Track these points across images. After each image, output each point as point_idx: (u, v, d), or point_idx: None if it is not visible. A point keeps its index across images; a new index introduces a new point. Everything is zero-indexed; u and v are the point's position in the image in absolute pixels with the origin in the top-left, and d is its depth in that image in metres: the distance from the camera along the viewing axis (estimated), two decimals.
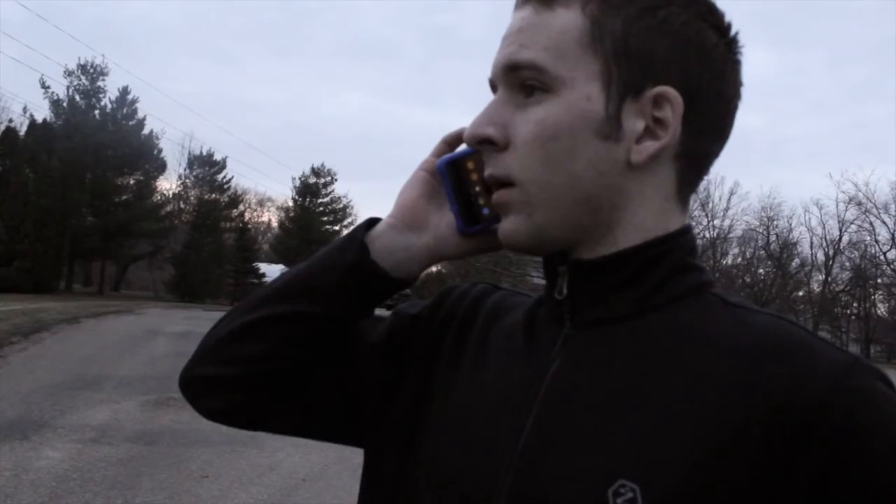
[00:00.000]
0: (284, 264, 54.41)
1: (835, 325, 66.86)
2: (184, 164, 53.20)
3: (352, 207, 64.50)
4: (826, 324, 65.47)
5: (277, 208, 70.28)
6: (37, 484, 5.94)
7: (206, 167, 52.68)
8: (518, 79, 0.73)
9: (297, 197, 62.67)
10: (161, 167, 47.25)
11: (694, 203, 64.97)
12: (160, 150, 46.39)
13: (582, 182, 0.72)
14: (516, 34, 0.74)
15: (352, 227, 0.89)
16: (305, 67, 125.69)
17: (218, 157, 52.80)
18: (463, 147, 0.85)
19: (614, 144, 0.71)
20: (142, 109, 44.30)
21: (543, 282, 0.82)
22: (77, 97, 41.34)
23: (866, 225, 56.45)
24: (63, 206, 36.53)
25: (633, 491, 0.64)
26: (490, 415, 0.76)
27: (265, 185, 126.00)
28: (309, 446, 7.30)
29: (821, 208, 72.75)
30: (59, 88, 41.84)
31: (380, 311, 0.94)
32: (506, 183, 0.74)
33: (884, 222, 55.39)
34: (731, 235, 63.87)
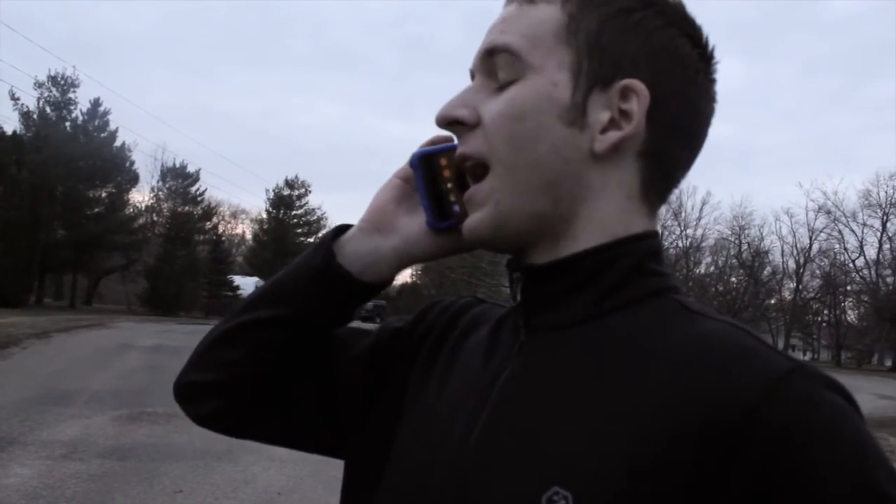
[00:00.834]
0: (259, 277, 54.18)
1: (806, 332, 67.72)
2: (156, 176, 52.96)
3: (326, 219, 64.35)
4: (798, 331, 66.27)
5: (251, 220, 69.97)
6: (4, 501, 5.82)
7: (179, 179, 52.37)
8: (493, 67, 0.75)
9: (270, 209, 62.44)
10: (133, 179, 46.89)
11: (667, 213, 65.36)
12: (132, 162, 46.06)
13: (545, 166, 0.72)
14: (499, 24, 0.77)
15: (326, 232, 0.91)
16: (279, 78, 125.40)
17: (191, 168, 52.63)
18: (435, 145, 0.86)
19: (578, 132, 0.72)
20: (114, 121, 44.01)
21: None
22: (47, 109, 40.94)
23: (835, 233, 57.34)
24: (33, 218, 36.08)
25: (565, 498, 0.64)
26: (446, 421, 0.77)
27: (239, 197, 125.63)
28: (284, 460, 7.27)
29: (791, 217, 73.78)
30: (29, 100, 41.77)
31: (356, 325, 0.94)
32: (478, 163, 0.75)
33: (852, 230, 56.30)
34: (703, 244, 64.44)
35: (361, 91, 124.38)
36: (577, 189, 0.73)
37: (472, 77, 0.80)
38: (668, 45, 0.74)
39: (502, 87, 0.75)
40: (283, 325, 0.86)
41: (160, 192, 52.82)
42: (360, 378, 0.90)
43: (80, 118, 42.32)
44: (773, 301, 62.72)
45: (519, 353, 0.76)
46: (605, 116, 0.73)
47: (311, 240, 63.86)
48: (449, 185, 0.83)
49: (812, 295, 61.57)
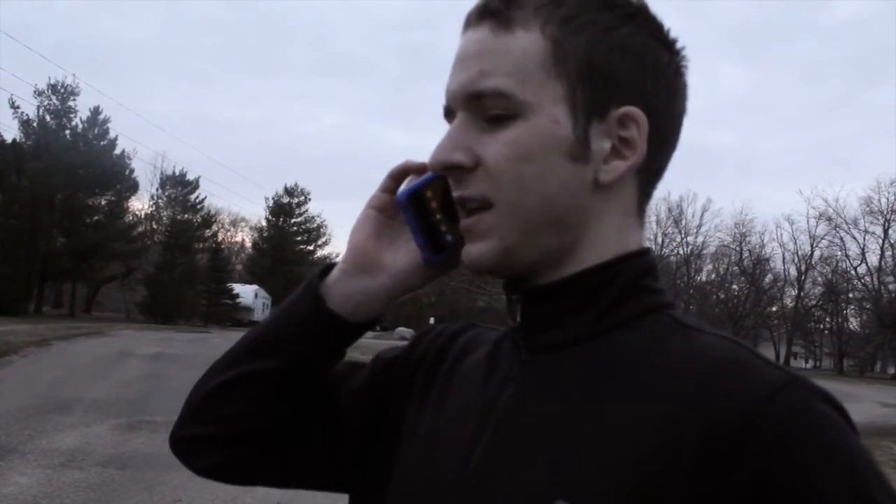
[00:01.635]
0: (258, 285, 54.18)
1: (808, 340, 67.67)
2: (156, 184, 53.10)
3: (325, 227, 64.49)
4: (799, 339, 66.22)
5: (251, 228, 70.01)
6: None
7: (178, 187, 52.43)
8: (482, 107, 0.73)
9: (270, 217, 62.49)
10: (133, 187, 46.95)
11: (668, 220, 65.62)
12: (132, 170, 46.21)
13: (553, 204, 0.72)
14: (475, 58, 0.73)
15: (307, 277, 0.88)
16: (280, 86, 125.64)
17: (191, 176, 52.71)
18: (415, 178, 0.84)
19: (584, 165, 0.72)
20: (113, 129, 44.11)
21: None
22: (47, 117, 40.99)
23: (837, 240, 57.38)
24: (33, 226, 36.11)
25: None
26: (445, 444, 0.77)
27: (238, 205, 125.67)
28: None
29: (792, 224, 73.67)
30: (29, 108, 41.82)
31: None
32: (482, 204, 0.73)
33: (854, 237, 56.31)
34: (704, 252, 64.49)
35: (363, 99, 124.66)
36: (581, 218, 0.74)
37: (448, 113, 0.77)
38: (652, 60, 0.73)
39: (494, 125, 0.72)
40: (278, 376, 0.85)
41: (160, 200, 52.95)
42: (359, 414, 0.90)
43: (80, 126, 42.43)
44: (774, 308, 62.70)
45: (520, 373, 0.76)
46: (606, 146, 0.72)
47: (311, 248, 63.99)
48: (438, 217, 0.83)
49: (814, 302, 61.55)
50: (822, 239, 58.74)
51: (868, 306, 56.12)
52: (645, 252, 0.77)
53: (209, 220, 56.20)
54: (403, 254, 0.84)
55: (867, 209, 55.72)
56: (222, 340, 27.45)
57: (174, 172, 52.79)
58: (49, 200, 38.63)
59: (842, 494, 0.59)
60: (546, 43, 0.71)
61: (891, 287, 55.00)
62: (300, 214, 63.35)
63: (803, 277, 60.65)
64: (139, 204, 52.64)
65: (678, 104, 0.77)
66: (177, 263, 46.83)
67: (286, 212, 62.35)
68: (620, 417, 0.66)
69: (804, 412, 0.61)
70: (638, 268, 0.75)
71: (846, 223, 56.03)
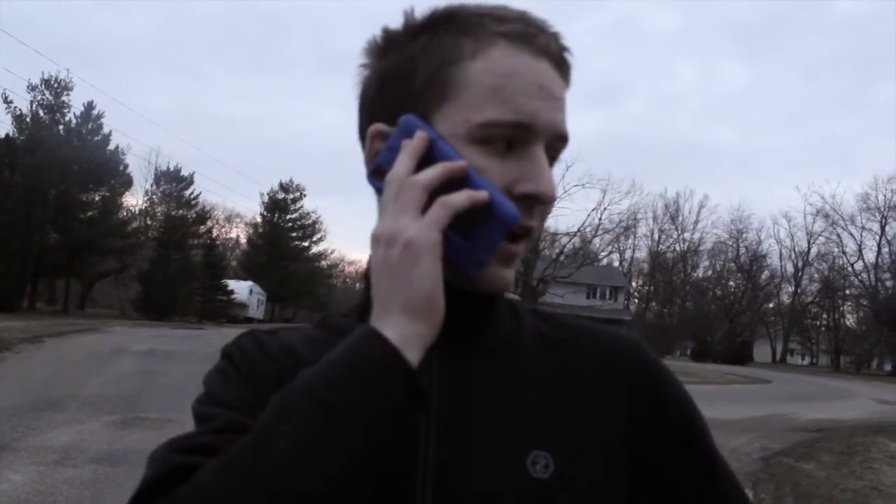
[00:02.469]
0: (253, 281, 54.03)
1: (805, 337, 67.79)
2: (150, 180, 52.94)
3: (321, 223, 64.41)
4: (796, 335, 66.38)
5: (246, 224, 69.82)
6: None
7: (172, 183, 52.31)
8: (554, 148, 0.79)
9: (265, 213, 62.37)
10: (127, 183, 46.73)
11: (664, 216, 65.83)
12: (126, 166, 45.90)
13: None
14: (561, 101, 0.79)
15: (371, 360, 0.66)
16: (277, 82, 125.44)
17: (185, 172, 52.46)
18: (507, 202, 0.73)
19: None
20: (107, 124, 43.87)
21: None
22: (41, 112, 40.68)
23: (834, 237, 57.52)
24: (26, 222, 35.93)
25: (545, 457, 0.77)
26: None
27: (233, 201, 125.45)
28: None
29: (789, 220, 74.28)
30: (23, 103, 41.49)
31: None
32: (528, 234, 0.79)
33: (851, 234, 56.42)
34: (701, 248, 64.63)
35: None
36: None
37: (520, 128, 0.75)
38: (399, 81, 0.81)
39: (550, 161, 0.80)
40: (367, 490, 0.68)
41: (154, 196, 52.85)
42: None
43: (74, 121, 42.15)
44: (771, 305, 62.89)
45: (435, 360, 0.78)
46: None
47: (306, 244, 63.85)
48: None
49: (811, 299, 61.71)
50: (819, 235, 58.94)
51: (865, 303, 56.30)
52: None
53: (204, 216, 56.08)
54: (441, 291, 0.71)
55: (864, 206, 56.02)
56: (217, 337, 27.30)
57: (168, 168, 52.74)
58: (42, 196, 38.42)
59: (686, 397, 0.90)
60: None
61: (888, 283, 55.18)
62: (295, 210, 63.32)
63: (800, 274, 60.81)
64: (133, 200, 52.58)
65: None
66: (171, 259, 46.66)
67: (281, 208, 62.28)
68: (547, 380, 0.83)
69: (656, 362, 0.90)
70: None
71: (843, 220, 56.21)
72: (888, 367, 56.31)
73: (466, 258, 0.72)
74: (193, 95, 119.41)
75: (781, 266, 62.49)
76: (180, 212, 52.02)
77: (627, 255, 71.07)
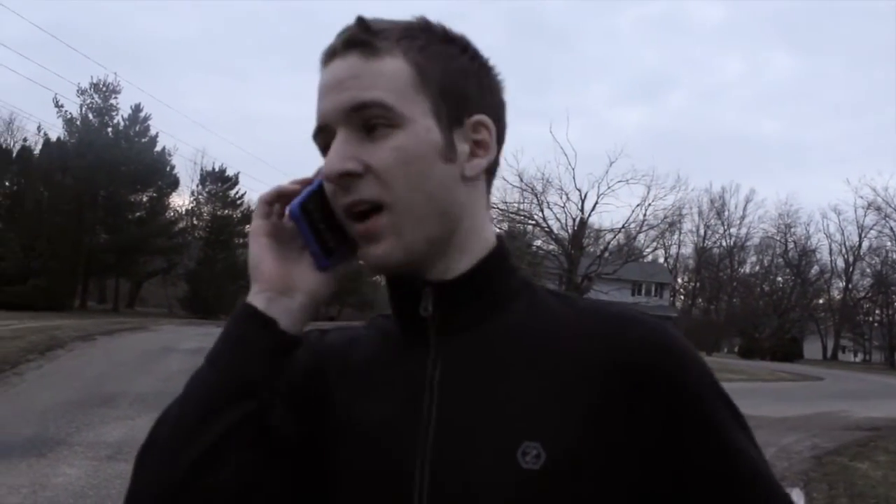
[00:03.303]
0: None
1: (857, 333, 66.30)
2: (196, 180, 53.47)
3: None
4: (848, 331, 64.95)
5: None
6: (53, 501, 5.86)
7: (218, 183, 52.84)
8: (362, 118, 0.84)
9: None
10: (174, 183, 47.43)
11: (710, 211, 64.82)
12: (173, 167, 46.59)
13: (437, 199, 0.85)
14: (350, 80, 0.85)
15: (231, 319, 0.88)
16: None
17: (230, 172, 53.00)
18: (304, 190, 0.90)
19: (452, 165, 0.86)
20: (154, 126, 44.50)
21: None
22: (90, 115, 41.51)
23: (886, 230, 56.10)
24: (77, 223, 36.78)
25: (536, 448, 0.80)
26: (385, 434, 0.85)
27: None
28: None
29: (839, 214, 72.43)
30: (73, 107, 42.18)
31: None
32: (373, 207, 0.84)
33: None
34: (748, 244, 63.51)
35: None
36: (459, 211, 0.88)
37: (319, 133, 0.88)
38: (486, 80, 0.91)
39: (374, 135, 0.84)
40: (259, 417, 0.83)
41: (200, 196, 53.39)
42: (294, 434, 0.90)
43: (122, 124, 42.85)
44: (821, 301, 61.61)
45: (440, 353, 0.87)
46: (466, 148, 0.88)
47: None
48: (322, 225, 0.89)
49: (862, 294, 60.30)
50: (870, 229, 57.57)
51: None
52: (502, 237, 0.93)
53: (249, 215, 56.11)
54: (306, 271, 0.89)
55: None
56: None
57: (214, 168, 53.24)
58: (92, 197, 39.27)
59: (709, 381, 0.86)
60: (410, 67, 0.85)
61: None
62: None
63: (851, 269, 59.48)
64: (180, 200, 53.49)
65: (504, 115, 0.93)
66: (217, 259, 47.29)
67: None
68: (547, 369, 0.84)
69: (680, 347, 0.86)
70: (506, 253, 0.92)
71: None
72: None
73: (312, 256, 0.89)
74: (237, 96, 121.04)
75: (832, 261, 61.25)
76: (226, 211, 52.58)
77: (673, 251, 70.22)
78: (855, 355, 68.63)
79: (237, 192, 53.76)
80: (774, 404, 15.57)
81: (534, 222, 37.49)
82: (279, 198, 0.91)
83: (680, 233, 67.23)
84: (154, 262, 47.88)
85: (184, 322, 34.87)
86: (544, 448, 0.80)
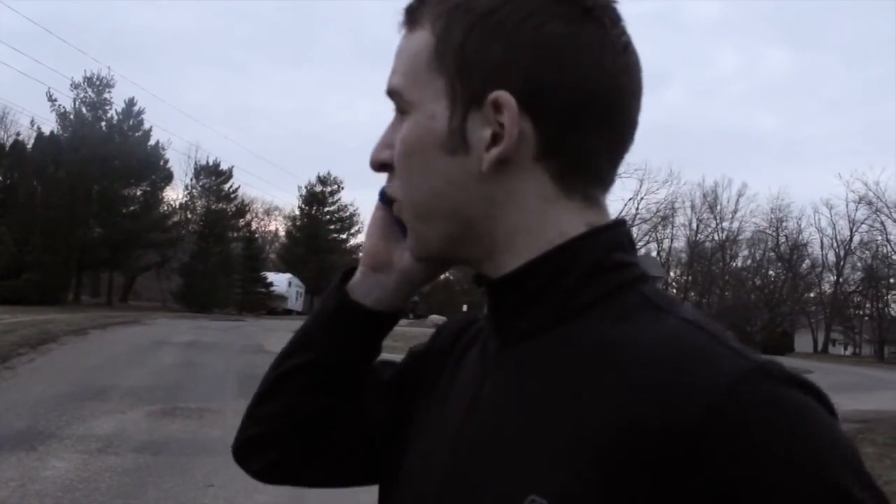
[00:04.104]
0: (292, 273, 54.56)
1: (847, 327, 66.63)
2: (190, 174, 53.60)
3: (358, 215, 64.60)
4: (839, 325, 65.30)
5: (284, 217, 70.31)
6: (42, 494, 5.90)
7: (212, 177, 52.95)
8: (395, 104, 0.78)
9: (303, 206, 62.82)
10: (167, 178, 47.43)
11: (702, 205, 65.06)
12: (166, 161, 46.69)
13: (443, 196, 0.74)
14: (394, 59, 0.78)
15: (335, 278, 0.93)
16: (315, 75, 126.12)
17: (224, 166, 53.05)
18: None
19: (464, 157, 0.72)
20: (148, 120, 44.54)
21: None
22: (84, 109, 41.57)
23: (877, 224, 56.32)
24: (71, 217, 36.68)
25: None
26: (440, 439, 0.80)
27: (272, 195, 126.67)
28: None
29: (831, 209, 72.47)
30: (66, 101, 42.25)
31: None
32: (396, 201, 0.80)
33: (895, 221, 55.15)
34: (740, 237, 63.70)
35: None
36: (484, 209, 0.73)
37: None
38: (534, 36, 0.70)
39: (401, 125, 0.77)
40: (314, 369, 0.89)
41: (194, 190, 53.53)
42: (383, 409, 0.92)
43: (115, 118, 42.94)
44: (812, 295, 61.86)
45: (494, 366, 0.76)
46: (486, 134, 0.71)
47: (344, 236, 64.30)
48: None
49: (853, 288, 60.56)
50: (861, 223, 57.75)
51: None
52: (606, 228, 0.74)
53: (243, 209, 56.71)
54: (405, 252, 0.86)
55: None
56: (256, 328, 27.68)
57: (208, 162, 53.33)
58: (86, 192, 39.14)
59: (812, 486, 0.57)
60: (432, 38, 0.73)
61: None
62: (333, 203, 63.62)
63: (842, 263, 59.70)
64: (174, 194, 53.44)
65: (589, 75, 0.71)
66: (211, 252, 47.27)
67: (319, 201, 62.65)
68: (588, 406, 0.65)
69: (771, 399, 0.59)
70: (597, 246, 0.73)
71: (887, 207, 54.95)
72: None
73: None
74: (232, 90, 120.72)
75: (823, 255, 61.45)
76: (220, 205, 52.66)
77: (665, 244, 70.35)
78: (845, 348, 68.90)
79: (231, 186, 53.97)
80: None
81: None
82: None
83: (672, 227, 67.45)
84: (148, 256, 47.87)
85: (177, 316, 34.91)
86: None
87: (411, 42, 0.75)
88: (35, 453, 7.05)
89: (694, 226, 65.58)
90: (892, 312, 59.89)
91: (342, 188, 63.45)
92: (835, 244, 59.81)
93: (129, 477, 6.50)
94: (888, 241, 56.27)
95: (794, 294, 57.37)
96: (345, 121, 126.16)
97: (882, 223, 55.95)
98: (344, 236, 64.92)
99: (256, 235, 58.94)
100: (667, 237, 69.17)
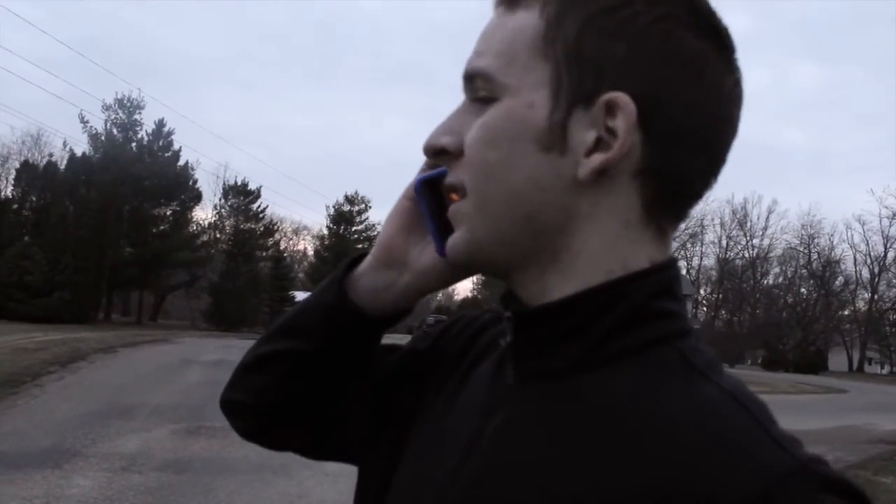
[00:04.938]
0: None
1: (883, 345, 65.40)
2: (219, 194, 54.12)
3: None
4: (874, 343, 64.12)
5: (313, 237, 70.81)
6: None
7: (240, 196, 53.35)
8: (472, 89, 0.69)
9: (331, 225, 63.13)
10: (196, 197, 47.98)
11: (732, 222, 64.55)
12: (195, 181, 47.23)
13: (520, 197, 0.65)
14: (479, 40, 0.70)
15: (341, 264, 0.87)
16: (341, 95, 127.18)
17: (252, 186, 53.45)
18: (440, 167, 0.76)
19: (558, 157, 0.64)
20: (177, 141, 45.28)
21: None
22: (115, 130, 42.19)
23: None
24: (102, 237, 37.22)
25: None
26: (440, 453, 0.73)
27: (300, 214, 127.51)
28: (338, 475, 7.16)
29: (864, 224, 71.29)
30: (98, 122, 42.91)
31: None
32: (461, 192, 0.69)
33: None
34: (770, 255, 62.97)
35: (424, 105, 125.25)
36: (561, 220, 0.66)
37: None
38: (662, 42, 0.64)
39: (480, 108, 0.68)
40: (303, 357, 0.86)
41: (222, 210, 53.94)
42: (378, 398, 0.89)
43: (146, 139, 43.61)
44: (846, 312, 60.80)
45: (507, 401, 0.69)
46: (590, 137, 0.63)
47: None
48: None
49: (889, 305, 59.45)
50: None
51: None
52: (659, 269, 0.67)
53: (271, 228, 57.05)
54: (425, 251, 0.79)
55: None
56: None
57: (236, 182, 53.77)
58: (117, 211, 39.74)
59: None
60: (540, 22, 0.65)
61: None
62: (361, 222, 63.88)
63: (877, 280, 58.68)
64: (203, 214, 54.00)
65: (709, 97, 0.65)
66: (240, 272, 47.62)
67: (347, 220, 62.95)
68: (597, 474, 0.59)
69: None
70: (647, 289, 0.65)
71: None
72: None
73: (432, 238, 0.78)
74: (260, 110, 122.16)
75: (857, 271, 60.51)
76: (248, 225, 53.04)
77: (695, 262, 69.78)
78: (882, 367, 67.55)
79: (259, 206, 54.28)
80: (797, 417, 15.35)
81: None
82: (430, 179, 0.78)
83: (702, 244, 66.88)
84: (177, 275, 48.42)
85: (205, 334, 35.13)
86: None
87: (511, 22, 0.67)
88: (60, 471, 7.03)
89: (724, 243, 65.00)
90: None
91: (370, 207, 63.76)
92: (869, 260, 58.91)
93: (152, 496, 6.45)
94: None
95: (827, 312, 56.44)
96: (371, 140, 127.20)
97: None
98: None
99: (285, 255, 59.34)
100: (696, 255, 68.58)
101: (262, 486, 6.94)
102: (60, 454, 7.66)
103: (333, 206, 63.19)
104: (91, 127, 41.69)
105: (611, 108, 0.63)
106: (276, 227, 59.07)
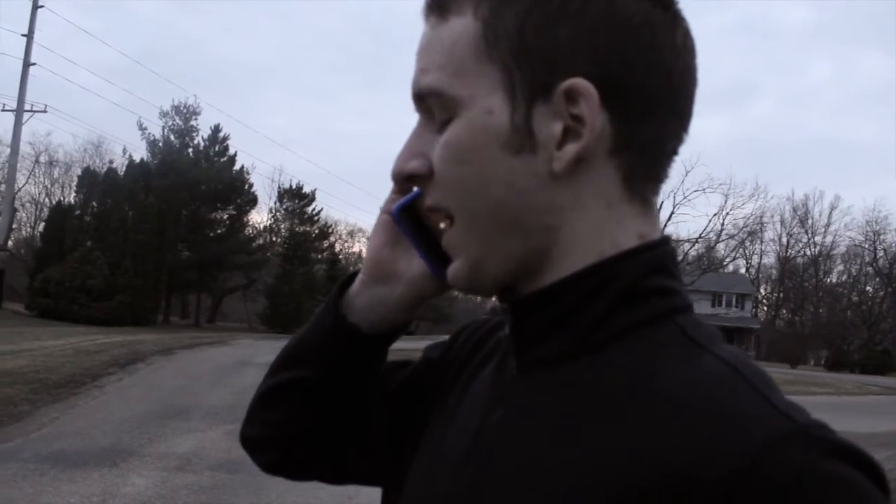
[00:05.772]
0: None
1: None
2: (274, 198, 54.73)
3: None
4: None
5: (367, 239, 71.09)
6: None
7: (295, 200, 53.93)
8: (425, 107, 0.68)
9: None
10: (252, 201, 48.65)
11: (793, 220, 63.01)
12: (251, 185, 47.88)
13: (503, 206, 0.64)
14: (419, 55, 0.68)
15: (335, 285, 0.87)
16: (392, 99, 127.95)
17: (307, 189, 54.02)
18: (414, 191, 0.75)
19: (530, 157, 0.63)
20: (233, 146, 46.05)
21: None
22: (172, 137, 43.16)
23: None
24: (160, 241, 38.07)
25: None
26: (445, 457, 0.73)
27: (355, 217, 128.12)
28: None
29: None
30: (156, 129, 43.80)
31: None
32: (447, 214, 0.68)
33: None
34: (834, 252, 61.36)
35: None
36: (547, 217, 0.64)
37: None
38: (605, 16, 0.62)
39: (441, 128, 0.66)
40: (309, 385, 0.85)
41: (278, 213, 54.63)
42: (393, 414, 0.89)
43: (202, 144, 44.52)
44: None
45: (508, 392, 0.69)
46: (557, 129, 0.62)
47: None
48: (442, 226, 0.72)
49: None
50: None
51: None
52: (650, 246, 0.65)
53: (326, 231, 57.57)
54: (415, 261, 0.79)
55: None
56: None
57: (291, 186, 54.41)
58: (174, 216, 40.59)
59: None
60: (477, 24, 0.63)
61: None
62: None
63: None
64: (258, 217, 54.79)
65: (663, 55, 0.63)
66: (296, 274, 48.13)
67: None
68: (593, 453, 0.59)
69: (803, 475, 0.50)
70: (639, 267, 0.64)
71: None
72: None
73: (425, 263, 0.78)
74: (313, 114, 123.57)
75: None
76: (303, 228, 53.62)
77: (754, 260, 68.35)
78: None
79: (314, 209, 54.82)
80: (862, 419, 14.84)
81: None
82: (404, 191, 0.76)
83: (762, 242, 65.47)
84: (234, 278, 49.17)
85: (261, 336, 35.60)
86: None
87: (446, 32, 0.65)
88: (117, 469, 7.15)
89: (784, 241, 63.55)
90: None
91: None
92: None
93: (205, 495, 6.52)
94: None
95: (894, 310, 54.71)
96: None
97: None
98: None
99: (340, 257, 59.70)
100: (755, 253, 67.15)
101: (312, 487, 6.89)
102: (118, 453, 7.81)
103: None
104: (149, 134, 42.81)
105: (571, 96, 0.61)
106: (330, 230, 59.62)
